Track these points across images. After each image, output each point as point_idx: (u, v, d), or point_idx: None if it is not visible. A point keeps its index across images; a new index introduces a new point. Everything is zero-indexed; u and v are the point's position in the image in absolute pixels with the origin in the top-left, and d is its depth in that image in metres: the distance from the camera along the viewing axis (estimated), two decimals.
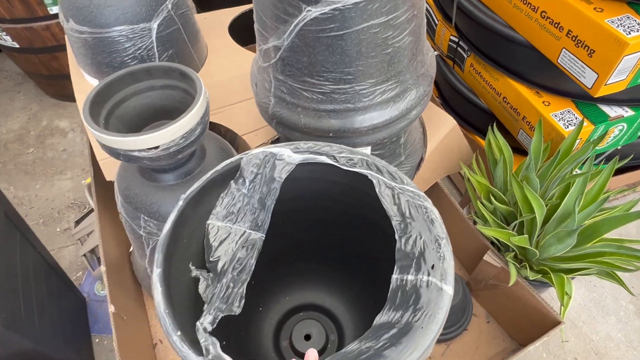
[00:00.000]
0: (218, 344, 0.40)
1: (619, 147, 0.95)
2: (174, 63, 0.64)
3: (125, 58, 0.81)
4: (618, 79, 0.75)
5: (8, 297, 0.70)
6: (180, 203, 0.48)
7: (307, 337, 0.68)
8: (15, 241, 0.82)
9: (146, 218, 0.69)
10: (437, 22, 1.17)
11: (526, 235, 0.75)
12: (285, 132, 0.72)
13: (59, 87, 1.65)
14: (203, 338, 0.41)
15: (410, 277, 0.45)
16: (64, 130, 1.62)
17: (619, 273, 0.74)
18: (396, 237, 0.48)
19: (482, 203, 0.84)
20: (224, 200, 0.53)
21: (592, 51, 0.74)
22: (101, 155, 0.82)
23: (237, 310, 0.52)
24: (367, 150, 0.75)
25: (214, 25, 1.06)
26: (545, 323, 0.77)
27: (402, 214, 0.48)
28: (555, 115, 0.86)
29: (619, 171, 1.05)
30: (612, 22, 0.71)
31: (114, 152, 0.58)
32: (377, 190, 0.50)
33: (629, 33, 0.69)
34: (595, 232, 0.74)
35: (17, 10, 1.32)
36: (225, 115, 0.93)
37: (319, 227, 0.64)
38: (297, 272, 0.71)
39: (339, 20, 0.55)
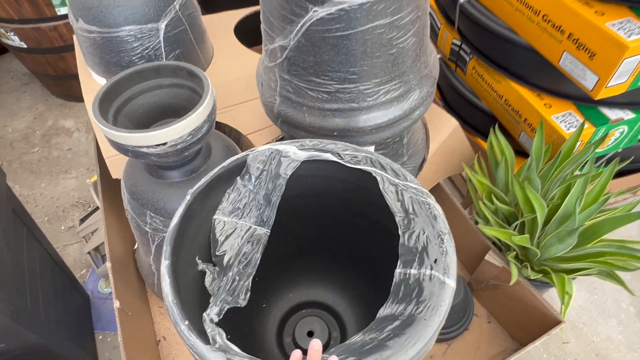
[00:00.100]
0: (224, 334, 0.41)
1: (619, 150, 0.96)
2: (182, 62, 0.65)
3: (133, 57, 0.82)
4: (619, 82, 0.76)
5: (15, 291, 0.71)
6: (188, 197, 0.49)
7: (310, 334, 0.68)
8: (22, 237, 0.83)
9: (152, 214, 0.70)
10: (439, 25, 1.18)
11: (527, 235, 0.76)
12: (290, 130, 0.73)
13: (65, 87, 1.67)
14: (210, 328, 0.42)
15: (413, 271, 0.45)
16: (69, 129, 1.64)
17: (619, 274, 0.74)
18: (399, 232, 0.49)
19: (483, 203, 0.85)
20: (230, 195, 0.54)
21: (593, 54, 0.75)
22: (108, 153, 0.83)
23: (242, 302, 0.53)
24: (371, 149, 0.76)
25: (220, 27, 1.08)
26: (546, 323, 0.77)
27: (405, 210, 0.49)
28: (557, 118, 0.87)
29: (620, 174, 1.06)
30: (613, 25, 0.72)
31: (122, 149, 0.59)
32: (380, 187, 0.51)
33: (629, 36, 0.70)
34: (595, 232, 0.75)
35: (25, 11, 1.34)
36: (230, 114, 0.94)
37: (322, 224, 0.65)
38: (300, 269, 0.72)
39: (344, 21, 0.56)
